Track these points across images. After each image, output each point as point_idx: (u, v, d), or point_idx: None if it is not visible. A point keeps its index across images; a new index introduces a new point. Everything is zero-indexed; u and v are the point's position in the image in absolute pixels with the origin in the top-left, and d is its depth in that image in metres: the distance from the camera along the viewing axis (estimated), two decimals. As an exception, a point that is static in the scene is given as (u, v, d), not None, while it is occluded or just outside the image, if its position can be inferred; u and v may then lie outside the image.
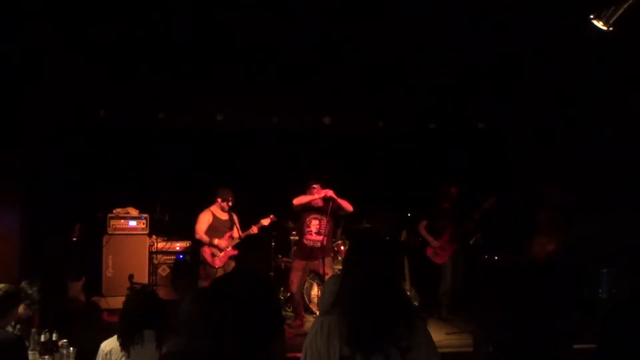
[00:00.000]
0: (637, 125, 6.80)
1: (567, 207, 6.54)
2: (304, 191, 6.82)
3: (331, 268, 6.70)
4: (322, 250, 6.67)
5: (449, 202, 7.41)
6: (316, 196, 6.67)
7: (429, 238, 7.43)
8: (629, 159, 6.91)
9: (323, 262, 6.63)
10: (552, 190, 6.62)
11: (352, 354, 2.19)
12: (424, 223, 7.53)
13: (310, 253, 6.71)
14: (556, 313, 2.93)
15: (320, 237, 6.65)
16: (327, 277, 6.48)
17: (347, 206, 6.67)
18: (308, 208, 6.79)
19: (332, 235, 7.01)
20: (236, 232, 7.05)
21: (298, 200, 6.67)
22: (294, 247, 7.56)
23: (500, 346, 2.94)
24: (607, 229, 6.66)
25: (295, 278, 6.83)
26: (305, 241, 6.76)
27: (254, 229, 7.05)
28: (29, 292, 4.17)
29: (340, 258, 7.32)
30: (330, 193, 6.57)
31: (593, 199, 6.84)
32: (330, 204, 6.60)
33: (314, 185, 6.75)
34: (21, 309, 3.94)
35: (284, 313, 7.24)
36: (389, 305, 2.25)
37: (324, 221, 6.71)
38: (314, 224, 6.76)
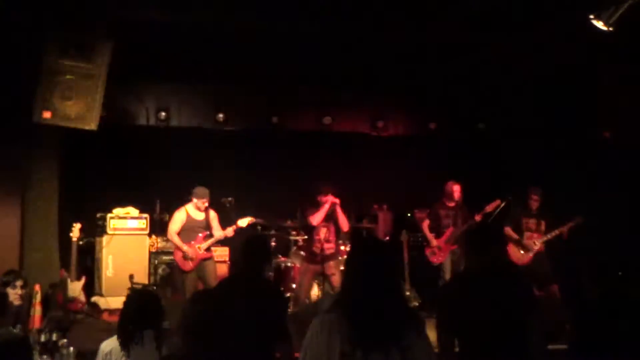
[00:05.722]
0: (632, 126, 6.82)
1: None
2: (314, 195, 6.75)
3: (337, 269, 6.71)
4: (330, 256, 6.71)
5: (453, 200, 7.38)
6: (327, 206, 6.62)
7: (430, 237, 7.42)
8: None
9: (328, 264, 6.67)
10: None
11: (353, 351, 2.21)
12: (427, 222, 7.51)
13: (319, 259, 6.73)
14: (518, 312, 2.95)
15: (329, 245, 6.70)
16: (333, 277, 6.58)
17: (343, 224, 6.67)
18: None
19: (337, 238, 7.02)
20: (217, 232, 6.84)
21: (316, 220, 6.61)
22: (298, 250, 7.53)
23: (465, 346, 2.98)
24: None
25: (304, 282, 6.85)
26: (314, 248, 6.77)
27: (230, 232, 6.79)
28: (6, 279, 4.06)
29: (340, 258, 7.33)
30: (336, 202, 6.55)
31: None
32: (333, 214, 6.61)
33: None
34: (10, 294, 3.82)
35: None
36: (390, 305, 2.28)
37: (332, 228, 6.75)
38: (322, 232, 6.73)
